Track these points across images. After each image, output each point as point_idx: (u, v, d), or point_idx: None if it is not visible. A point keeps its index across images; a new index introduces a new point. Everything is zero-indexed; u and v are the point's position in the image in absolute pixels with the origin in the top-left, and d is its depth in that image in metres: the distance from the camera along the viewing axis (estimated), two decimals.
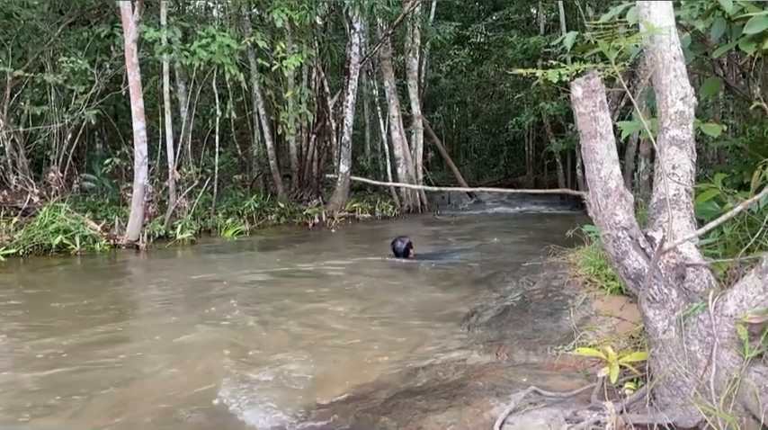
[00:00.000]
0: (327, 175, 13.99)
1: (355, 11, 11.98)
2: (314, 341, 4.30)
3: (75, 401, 3.35)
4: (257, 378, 3.59)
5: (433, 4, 17.26)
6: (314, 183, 14.15)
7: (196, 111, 11.66)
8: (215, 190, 11.12)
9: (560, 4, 15.05)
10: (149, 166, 9.84)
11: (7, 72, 9.92)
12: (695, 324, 2.31)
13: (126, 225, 9.30)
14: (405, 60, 16.64)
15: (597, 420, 2.38)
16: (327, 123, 13.89)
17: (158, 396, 3.39)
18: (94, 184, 11.40)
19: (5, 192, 9.75)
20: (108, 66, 10.94)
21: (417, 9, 14.89)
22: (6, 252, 7.96)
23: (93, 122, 10.63)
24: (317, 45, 13.10)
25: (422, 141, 16.41)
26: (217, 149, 11.27)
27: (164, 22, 10.18)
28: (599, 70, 2.68)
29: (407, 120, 16.28)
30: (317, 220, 12.33)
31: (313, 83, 13.95)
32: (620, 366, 2.68)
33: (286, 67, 11.18)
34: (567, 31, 9.23)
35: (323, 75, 13.78)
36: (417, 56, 16.38)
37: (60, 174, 10.06)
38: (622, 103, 12.54)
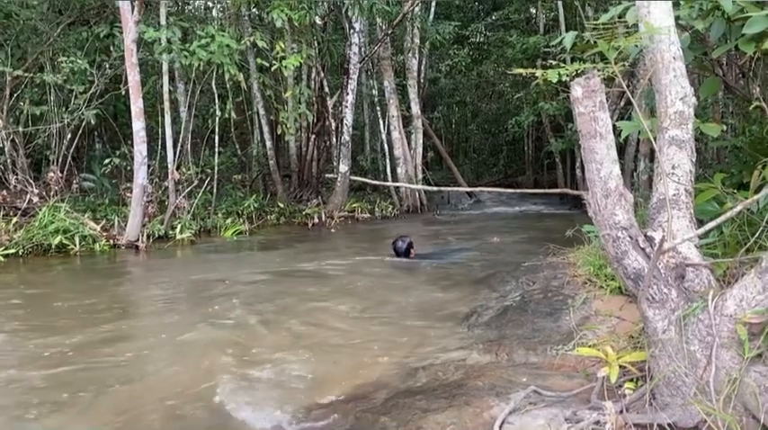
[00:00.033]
0: (327, 175, 13.99)
1: (355, 10, 11.98)
2: (314, 340, 4.30)
3: (83, 398, 3.38)
4: (258, 377, 3.59)
5: (433, 3, 17.26)
6: (313, 182, 14.15)
7: (195, 111, 11.66)
8: (214, 190, 11.12)
9: (560, 3, 15.06)
10: (149, 166, 9.84)
11: (6, 72, 9.92)
12: (695, 324, 2.31)
13: (125, 225, 9.30)
14: (404, 60, 16.64)
15: (597, 420, 2.38)
16: (327, 123, 13.89)
17: (161, 394, 3.40)
18: (94, 184, 11.40)
19: (5, 192, 9.75)
20: (107, 66, 10.94)
21: (417, 9, 14.89)
22: (6, 252, 7.95)
23: (93, 122, 10.63)
24: (316, 45, 13.10)
25: (421, 141, 16.41)
26: (216, 149, 11.27)
27: (163, 21, 10.18)
28: (598, 70, 2.68)
29: (407, 120, 16.28)
30: (316, 220, 12.33)
31: (312, 83, 13.95)
32: (620, 366, 2.68)
33: (285, 66, 11.18)
34: (567, 30, 9.23)
35: (322, 74, 13.78)
36: (417, 56, 16.39)
37: (60, 174, 10.06)
38: (622, 103, 12.55)
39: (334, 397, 3.24)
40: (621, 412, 2.41)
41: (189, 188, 10.47)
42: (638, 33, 2.93)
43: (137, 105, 9.32)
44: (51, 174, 9.91)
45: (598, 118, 2.45)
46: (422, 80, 18.49)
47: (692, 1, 3.78)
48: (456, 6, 20.89)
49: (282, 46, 11.40)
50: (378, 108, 16.34)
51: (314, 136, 13.99)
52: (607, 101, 2.54)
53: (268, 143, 13.51)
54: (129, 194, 9.72)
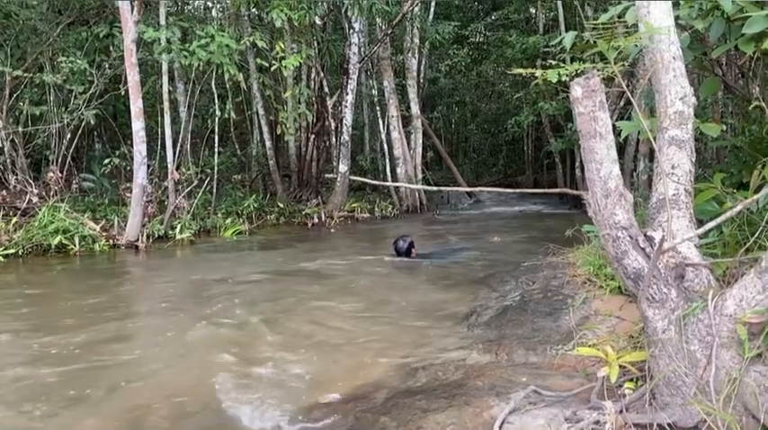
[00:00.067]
0: (326, 175, 13.99)
1: (354, 10, 11.98)
2: (314, 340, 4.30)
3: (93, 395, 3.42)
4: (258, 376, 3.60)
5: (432, 3, 17.26)
6: (313, 182, 14.15)
7: (195, 111, 11.66)
8: (214, 190, 11.12)
9: (559, 3, 15.06)
10: (148, 166, 9.83)
11: (6, 72, 9.92)
12: (695, 323, 2.31)
13: (125, 225, 9.30)
14: (404, 60, 16.63)
15: (597, 420, 2.38)
16: (326, 123, 13.89)
17: (166, 392, 3.42)
18: (94, 184, 11.39)
19: (4, 193, 9.74)
20: (107, 66, 10.94)
21: (416, 9, 14.89)
22: (5, 252, 7.95)
23: (93, 122, 10.62)
24: (316, 45, 13.10)
25: (421, 141, 16.41)
26: (216, 149, 11.27)
27: (163, 21, 10.18)
28: (598, 70, 2.68)
29: (406, 120, 16.28)
30: (316, 220, 12.33)
31: (312, 83, 13.95)
32: (620, 366, 2.68)
33: (285, 66, 11.18)
34: (566, 30, 9.23)
35: (322, 74, 13.78)
36: (416, 55, 16.39)
37: (59, 175, 10.06)
38: (621, 103, 12.55)
39: (335, 396, 3.24)
40: (621, 412, 2.41)
41: (188, 188, 10.47)
42: (638, 33, 2.93)
43: (136, 105, 9.31)
44: (51, 174, 9.91)
45: (598, 118, 2.45)
46: (421, 80, 18.50)
47: (692, 1, 3.78)
48: (455, 6, 20.89)
49: (282, 46, 11.40)
50: (377, 108, 16.34)
51: (313, 136, 14.00)
52: (607, 101, 2.54)
53: (268, 143, 13.51)
54: (128, 194, 9.72)
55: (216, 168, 11.09)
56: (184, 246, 9.38)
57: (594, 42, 2.82)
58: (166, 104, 10.34)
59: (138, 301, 6.10)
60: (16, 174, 10.08)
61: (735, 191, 3.61)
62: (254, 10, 13.09)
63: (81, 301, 5.65)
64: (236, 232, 10.52)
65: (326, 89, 13.81)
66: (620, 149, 11.26)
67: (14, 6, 10.55)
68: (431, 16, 17.09)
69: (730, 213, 2.42)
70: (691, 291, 2.49)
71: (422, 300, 5.43)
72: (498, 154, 25.28)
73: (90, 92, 10.50)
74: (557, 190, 7.97)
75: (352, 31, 13.32)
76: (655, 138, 2.93)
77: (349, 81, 13.39)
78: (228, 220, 10.98)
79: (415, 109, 16.06)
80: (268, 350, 4.11)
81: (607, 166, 2.47)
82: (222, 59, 9.82)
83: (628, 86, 4.11)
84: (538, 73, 3.02)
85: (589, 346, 3.14)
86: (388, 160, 15.68)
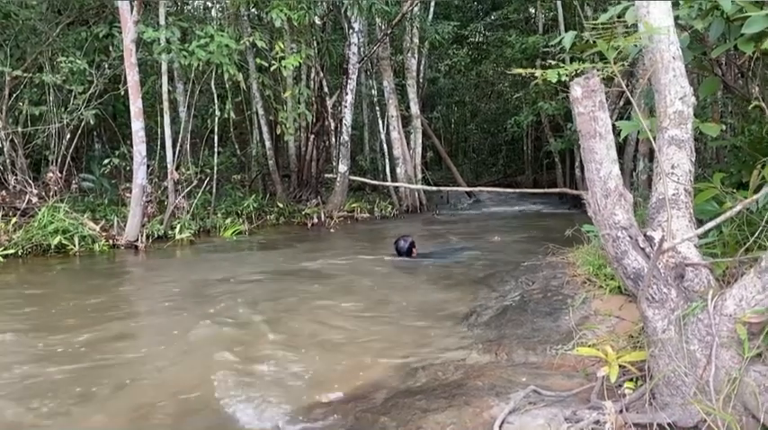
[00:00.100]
0: (326, 175, 13.99)
1: (354, 10, 11.98)
2: (314, 340, 4.30)
3: (100, 393, 3.46)
4: (259, 376, 3.60)
5: (432, 3, 17.26)
6: (313, 182, 14.15)
7: (195, 111, 11.65)
8: (214, 190, 11.12)
9: (559, 3, 15.06)
10: (148, 166, 9.83)
11: (5, 72, 9.91)
12: (694, 323, 2.31)
13: (125, 225, 9.30)
14: (403, 60, 16.64)
15: (597, 419, 2.39)
16: (326, 123, 13.89)
17: (166, 391, 3.44)
18: (93, 185, 11.39)
19: (4, 193, 9.74)
20: (106, 66, 10.93)
21: (416, 9, 14.89)
22: (5, 252, 7.95)
23: (92, 122, 10.62)
24: (315, 45, 13.10)
25: (420, 141, 16.41)
26: (216, 149, 11.26)
27: (162, 21, 10.18)
28: (598, 70, 2.68)
29: (406, 120, 16.28)
30: (315, 220, 12.34)
31: (312, 83, 13.95)
32: (620, 366, 2.68)
33: (285, 66, 11.17)
34: (566, 30, 9.23)
35: (321, 74, 13.78)
36: (416, 55, 16.39)
37: (59, 175, 10.06)
38: (621, 103, 12.55)
39: (334, 396, 3.25)
40: (621, 412, 2.42)
41: (188, 188, 10.47)
42: (638, 33, 2.93)
43: (136, 105, 9.31)
44: (50, 174, 9.90)
45: (597, 118, 2.46)
46: (421, 80, 18.50)
47: (692, 1, 3.78)
48: (455, 6, 20.91)
49: (281, 46, 11.40)
50: (377, 108, 16.34)
51: (313, 136, 14.00)
52: (606, 101, 2.54)
53: (267, 143, 13.51)
54: (128, 194, 9.71)
55: (215, 168, 11.09)
56: (184, 246, 9.38)
57: (594, 42, 2.82)
58: (166, 104, 10.34)
59: (140, 301, 6.10)
60: (16, 175, 10.08)
61: (734, 190, 3.61)
62: (253, 10, 13.09)
63: (82, 301, 5.65)
64: (236, 232, 10.52)
65: (326, 89, 13.81)
66: (620, 149, 11.25)
67: (14, 6, 10.54)
68: (430, 16, 17.09)
69: (730, 213, 2.42)
70: (690, 290, 2.50)
71: (422, 300, 5.43)
72: (498, 154, 25.30)
73: (89, 92, 10.50)
74: (556, 190, 7.97)
75: (351, 30, 13.32)
76: (654, 138, 2.93)
77: (348, 81, 13.39)
78: (228, 220, 10.98)
79: (414, 109, 16.06)
80: (269, 349, 4.11)
81: (607, 166, 2.47)
82: (222, 59, 9.82)
83: (627, 86, 4.11)
84: (537, 73, 3.02)
85: (589, 346, 3.14)
86: (387, 160, 15.68)
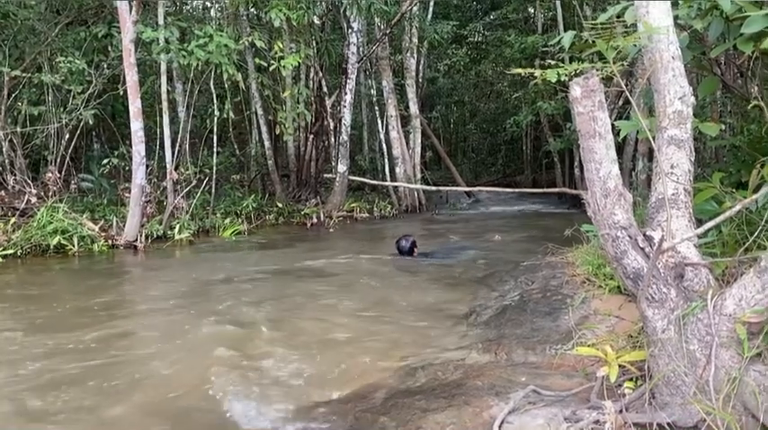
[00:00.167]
0: (325, 175, 13.99)
1: (353, 10, 11.98)
2: (314, 340, 4.30)
3: (117, 387, 3.53)
4: (257, 375, 3.60)
5: (431, 3, 17.27)
6: (312, 182, 14.15)
7: (194, 111, 11.64)
8: (213, 190, 11.11)
9: (558, 3, 15.07)
10: (147, 166, 9.82)
11: (4, 72, 9.90)
12: (694, 323, 2.31)
13: (124, 225, 9.29)
14: (402, 60, 16.63)
15: (596, 419, 2.38)
16: (325, 123, 13.88)
17: (168, 390, 3.46)
18: (92, 185, 11.38)
19: (3, 193, 9.73)
20: (105, 66, 10.92)
21: (415, 8, 14.89)
22: (4, 253, 7.94)
23: (91, 122, 10.61)
24: (314, 44, 13.09)
25: (420, 141, 16.40)
26: (215, 149, 11.26)
27: (161, 21, 10.17)
28: (597, 70, 2.68)
29: (405, 120, 16.28)
30: (315, 220, 12.33)
31: (311, 82, 13.94)
32: (619, 365, 2.68)
33: (284, 66, 11.17)
34: (565, 30, 9.22)
35: (321, 74, 13.78)
36: (415, 55, 16.38)
37: (58, 175, 10.05)
38: (620, 103, 12.55)
39: (334, 396, 3.25)
40: (621, 411, 2.42)
41: (187, 188, 10.46)
42: (637, 33, 2.93)
43: (135, 105, 9.30)
44: (49, 174, 9.89)
45: (597, 117, 2.45)
46: (420, 80, 18.49)
47: (691, 0, 3.79)
48: (454, 6, 20.91)
49: (281, 46, 11.39)
50: (376, 108, 16.33)
51: (312, 136, 13.99)
52: (606, 100, 2.54)
53: (266, 143, 13.50)
54: (127, 194, 9.70)
55: (214, 168, 11.08)
56: (183, 246, 9.37)
57: (593, 42, 2.82)
58: (165, 104, 10.33)
59: (141, 301, 6.09)
60: (15, 175, 10.07)
61: (734, 190, 3.61)
62: (252, 10, 13.09)
63: (84, 301, 5.66)
64: (235, 232, 10.51)
65: (325, 89, 13.80)
66: (619, 149, 11.28)
67: (13, 6, 10.52)
68: (429, 16, 17.09)
69: (729, 213, 2.42)
70: (690, 290, 2.50)
71: (422, 300, 5.44)
72: (497, 153, 25.30)
73: (88, 92, 10.48)
74: (556, 189, 7.99)
75: (350, 30, 13.31)
76: (654, 138, 2.93)
77: (348, 81, 13.39)
78: (227, 220, 10.97)
79: (413, 108, 16.06)
80: (268, 348, 4.11)
81: (606, 166, 2.47)
82: (221, 59, 9.81)
83: (627, 86, 4.12)
84: (537, 73, 3.02)
85: (588, 346, 3.14)
86: (386, 160, 15.68)
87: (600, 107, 2.46)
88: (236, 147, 14.17)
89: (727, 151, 7.35)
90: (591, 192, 2.52)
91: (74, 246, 8.54)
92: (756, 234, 2.88)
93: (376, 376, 3.50)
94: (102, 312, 5.28)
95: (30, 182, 10.00)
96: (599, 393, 2.58)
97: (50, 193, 9.57)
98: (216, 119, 10.82)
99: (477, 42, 22.42)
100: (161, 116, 10.37)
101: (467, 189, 13.00)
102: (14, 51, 10.84)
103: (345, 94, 13.40)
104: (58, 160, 10.52)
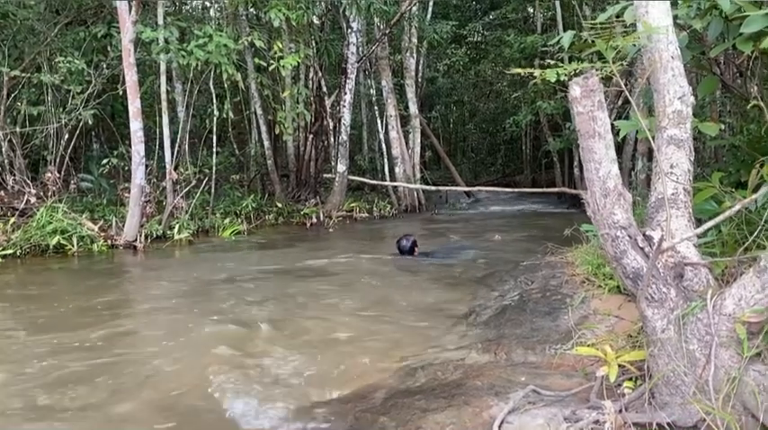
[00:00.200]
0: (325, 175, 13.99)
1: (352, 10, 11.98)
2: (314, 339, 4.30)
3: (125, 384, 3.56)
4: (258, 374, 3.61)
5: (430, 3, 17.27)
6: (311, 182, 14.14)
7: (193, 111, 11.64)
8: (212, 190, 11.11)
9: (557, 3, 15.07)
10: (147, 166, 9.81)
11: (4, 72, 9.89)
12: (694, 323, 2.31)
13: (123, 225, 9.28)
14: (402, 59, 16.63)
15: (596, 419, 2.38)
16: (325, 123, 13.88)
17: (168, 388, 3.47)
18: (92, 185, 11.37)
19: (2, 193, 9.72)
20: (105, 66, 10.91)
21: (414, 8, 14.89)
22: (4, 253, 7.93)
23: (90, 122, 10.60)
24: (314, 44, 13.09)
25: (419, 140, 16.41)
26: (214, 149, 11.25)
27: (161, 21, 10.16)
28: (597, 69, 2.68)
29: (405, 120, 16.28)
30: (314, 220, 12.33)
31: (310, 82, 13.94)
32: (619, 365, 2.68)
33: (283, 66, 11.16)
34: (565, 30, 9.23)
35: (320, 74, 13.78)
36: (414, 55, 16.38)
37: (57, 175, 10.04)
38: (620, 102, 12.55)
39: (334, 395, 3.25)
40: (620, 411, 2.42)
41: (187, 188, 10.46)
42: (636, 33, 2.93)
43: (134, 105, 9.30)
44: (49, 174, 9.89)
45: (596, 117, 2.45)
46: (419, 79, 18.49)
47: (690, 0, 3.79)
48: (453, 6, 20.92)
49: (280, 45, 11.38)
50: (375, 107, 16.33)
51: (312, 135, 13.99)
52: (605, 100, 2.54)
53: (266, 143, 13.49)
54: (126, 195, 9.70)
55: (214, 168, 11.08)
56: (183, 246, 9.37)
57: (593, 42, 2.82)
58: (164, 104, 10.32)
59: (142, 300, 6.10)
60: (14, 175, 10.06)
61: (733, 190, 3.61)
62: (252, 9, 13.08)
63: (85, 301, 5.67)
64: (235, 232, 10.51)
65: (325, 89, 13.80)
66: (619, 148, 11.26)
67: (12, 6, 10.51)
68: (429, 16, 17.09)
69: (729, 212, 2.42)
70: (690, 290, 2.50)
71: (422, 299, 5.44)
72: (497, 153, 25.31)
73: (88, 92, 10.47)
74: (555, 189, 7.98)
75: (350, 30, 13.31)
76: (653, 138, 2.94)
77: (347, 80, 13.38)
78: (227, 220, 10.96)
79: (413, 108, 16.06)
80: (267, 348, 4.11)
81: (606, 166, 2.47)
82: (220, 59, 9.80)
83: (626, 86, 4.12)
84: (536, 72, 3.02)
85: (588, 346, 3.14)
86: (386, 160, 15.67)
87: (599, 107, 2.46)
88: (235, 147, 14.16)
89: (727, 151, 7.35)
90: (590, 191, 2.52)
91: (73, 246, 8.53)
92: (756, 234, 2.88)
93: (376, 376, 3.50)
94: (105, 311, 5.29)
95: (29, 182, 10.00)
96: (598, 393, 2.58)
97: (50, 193, 9.57)
98: (215, 119, 10.81)
99: (477, 42, 22.42)
100: (160, 116, 10.36)
101: (466, 189, 13.00)
102: (14, 51, 10.83)
103: (345, 93, 13.40)
104: (58, 160, 10.51)
